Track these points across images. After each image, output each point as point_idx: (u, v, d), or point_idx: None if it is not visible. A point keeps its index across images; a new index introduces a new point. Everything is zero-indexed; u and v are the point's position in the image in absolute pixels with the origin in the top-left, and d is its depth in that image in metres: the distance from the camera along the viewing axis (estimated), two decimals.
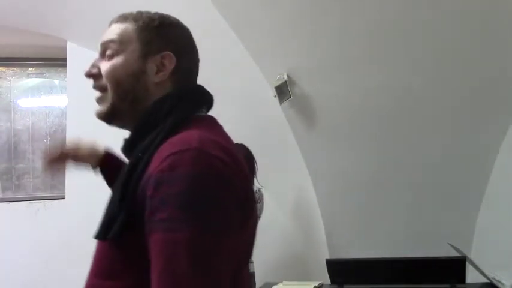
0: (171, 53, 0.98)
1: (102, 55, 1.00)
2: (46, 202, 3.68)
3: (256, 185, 3.00)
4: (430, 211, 3.12)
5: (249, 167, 2.99)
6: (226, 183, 0.83)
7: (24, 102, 4.02)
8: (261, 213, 2.97)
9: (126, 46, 0.98)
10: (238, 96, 3.20)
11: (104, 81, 0.98)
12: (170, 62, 0.98)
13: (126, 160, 1.02)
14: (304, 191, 3.37)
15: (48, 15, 3.35)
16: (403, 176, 3.07)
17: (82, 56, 3.57)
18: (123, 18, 1.02)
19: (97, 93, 1.00)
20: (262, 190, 3.00)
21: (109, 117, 0.99)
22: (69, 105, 3.72)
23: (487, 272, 2.26)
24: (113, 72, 0.97)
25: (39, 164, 3.92)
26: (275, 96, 2.92)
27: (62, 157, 1.25)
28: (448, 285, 2.18)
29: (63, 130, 3.85)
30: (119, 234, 0.84)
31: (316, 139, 3.10)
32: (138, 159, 0.89)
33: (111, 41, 0.98)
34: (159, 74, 0.98)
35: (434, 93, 2.81)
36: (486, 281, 2.27)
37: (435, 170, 3.03)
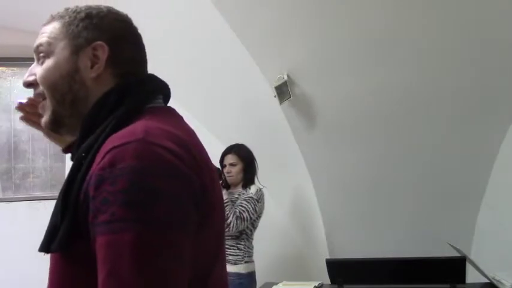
0: (102, 42, 0.89)
1: (37, 61, 0.93)
2: (46, 202, 3.67)
3: (258, 184, 3.00)
4: (430, 211, 3.12)
5: (250, 167, 2.99)
6: (176, 176, 0.74)
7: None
8: (262, 212, 2.97)
9: (55, 46, 0.91)
10: (238, 96, 3.21)
11: (41, 87, 0.90)
12: (103, 52, 0.89)
13: None
14: (304, 191, 3.38)
15: (48, 15, 3.35)
16: (403, 176, 3.08)
17: None
18: (51, 18, 0.95)
19: (40, 103, 0.93)
20: (263, 190, 3.00)
21: (54, 125, 0.92)
22: None
23: (487, 272, 2.26)
24: (45, 76, 0.89)
25: (39, 164, 3.92)
26: (275, 96, 2.92)
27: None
28: (448, 285, 2.18)
29: None
30: (65, 245, 0.76)
31: (316, 139, 3.10)
32: (80, 160, 0.80)
33: (40, 44, 0.93)
34: (94, 67, 0.89)
35: (434, 93, 2.82)
36: (486, 281, 2.27)
37: (435, 170, 3.03)
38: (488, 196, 3.04)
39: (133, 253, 0.68)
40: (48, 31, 0.93)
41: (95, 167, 0.75)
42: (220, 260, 0.89)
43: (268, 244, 3.12)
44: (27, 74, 0.93)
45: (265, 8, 2.67)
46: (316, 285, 2.47)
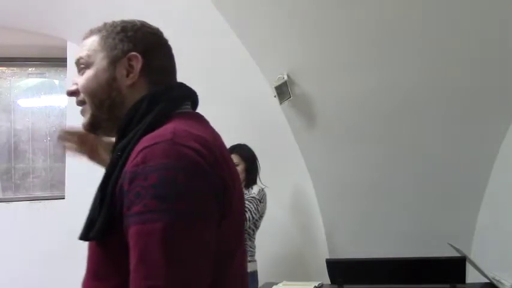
0: (136, 53, 1.00)
1: (79, 72, 1.03)
2: (46, 202, 3.68)
3: (260, 184, 3.00)
4: (430, 211, 3.12)
5: (252, 167, 2.99)
6: (200, 173, 0.83)
7: (24, 102, 4.02)
8: (264, 212, 2.97)
9: (94, 58, 1.01)
10: (239, 96, 3.21)
11: (82, 95, 1.02)
12: (137, 62, 0.99)
13: None
14: (304, 191, 3.37)
15: (48, 15, 3.35)
16: (403, 176, 3.08)
17: None
18: (89, 33, 1.05)
19: (80, 107, 1.05)
20: (265, 190, 3.00)
21: (92, 127, 1.03)
22: (69, 105, 3.71)
23: (487, 272, 2.26)
24: (86, 85, 1.00)
25: (39, 164, 3.92)
26: (275, 96, 2.92)
27: (84, 139, 1.26)
28: (448, 285, 2.18)
29: None
30: (101, 234, 0.85)
31: (316, 139, 3.10)
32: (117, 158, 0.90)
33: (81, 57, 1.02)
34: (130, 76, 0.99)
35: (434, 93, 2.82)
36: (486, 281, 2.26)
37: (435, 170, 3.03)
38: (488, 196, 3.04)
39: (162, 240, 0.76)
40: (88, 44, 1.03)
41: (128, 164, 0.84)
42: (241, 251, 0.98)
43: (268, 244, 3.12)
44: (70, 84, 1.05)
45: (265, 8, 2.67)
46: (316, 285, 2.47)
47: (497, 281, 2.16)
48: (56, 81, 4.10)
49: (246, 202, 2.85)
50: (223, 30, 2.81)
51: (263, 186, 3.00)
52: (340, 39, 2.70)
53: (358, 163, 3.10)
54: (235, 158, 2.94)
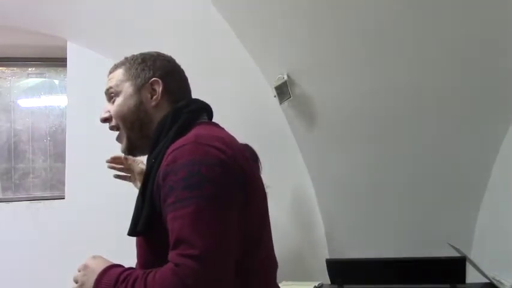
0: (157, 79, 1.20)
1: (109, 100, 1.23)
2: (46, 202, 3.67)
3: (256, 172, 2.99)
4: (430, 211, 3.12)
5: (255, 167, 2.99)
6: (221, 164, 0.99)
7: (24, 102, 4.02)
8: None
9: (122, 87, 1.21)
10: (238, 96, 3.20)
11: (115, 121, 1.21)
12: (158, 86, 1.20)
13: None
14: (304, 191, 3.37)
15: (48, 15, 3.34)
16: (403, 176, 3.07)
17: (82, 56, 3.56)
18: (115, 66, 1.25)
19: (116, 132, 1.24)
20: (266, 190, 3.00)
21: (130, 149, 1.22)
22: (69, 105, 3.71)
23: (487, 272, 2.26)
24: (118, 110, 1.20)
25: (39, 164, 3.92)
26: (275, 96, 2.92)
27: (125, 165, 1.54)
28: (448, 285, 2.18)
29: (63, 130, 3.84)
30: (146, 227, 1.02)
31: (316, 139, 3.10)
32: (152, 164, 1.08)
33: (110, 87, 1.23)
34: (153, 98, 1.19)
35: (435, 93, 2.81)
36: (486, 281, 2.27)
37: (435, 170, 3.03)
38: (488, 196, 3.04)
39: (194, 220, 0.92)
40: (116, 77, 1.23)
41: (162, 165, 1.02)
42: (267, 231, 1.21)
43: None
44: (102, 112, 1.24)
45: (265, 8, 2.67)
46: (316, 285, 2.47)
47: (497, 281, 2.16)
48: (56, 81, 4.09)
49: None
50: (223, 30, 2.80)
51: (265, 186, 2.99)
52: (340, 40, 2.70)
53: (358, 163, 3.10)
54: None
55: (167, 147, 1.06)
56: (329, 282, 2.40)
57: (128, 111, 1.18)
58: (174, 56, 1.30)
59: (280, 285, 2.54)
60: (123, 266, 1.04)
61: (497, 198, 2.99)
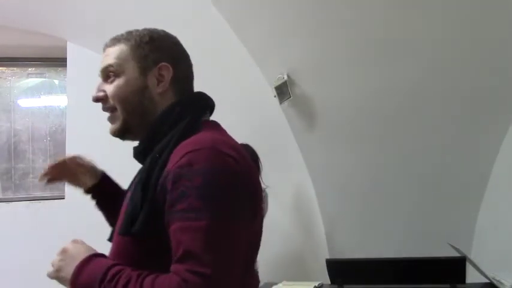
0: (167, 64, 1.07)
1: (105, 79, 1.08)
2: (46, 202, 3.68)
3: (261, 185, 2.99)
4: (430, 211, 3.12)
5: (258, 173, 2.99)
6: (238, 178, 0.92)
7: (24, 102, 4.02)
8: (265, 213, 2.96)
9: (124, 66, 1.06)
10: (238, 96, 3.20)
11: (112, 102, 1.07)
12: (168, 71, 1.07)
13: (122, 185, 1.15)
14: (304, 190, 3.37)
15: (48, 15, 3.35)
16: (403, 176, 3.07)
17: (82, 56, 3.57)
18: (115, 41, 1.10)
19: (108, 114, 1.10)
20: (266, 190, 3.00)
21: (122, 133, 1.08)
22: (69, 105, 3.72)
23: (487, 272, 2.26)
24: (117, 92, 1.06)
25: (39, 164, 3.92)
26: (275, 96, 2.92)
27: (63, 169, 1.32)
28: (448, 285, 2.18)
29: (63, 130, 3.85)
30: (144, 228, 0.92)
31: (316, 139, 3.10)
32: (155, 160, 0.97)
33: (110, 65, 1.07)
34: (160, 84, 1.07)
35: (434, 93, 2.81)
36: (486, 281, 2.26)
37: (435, 170, 3.03)
38: (488, 196, 3.04)
39: (206, 236, 0.84)
40: (117, 53, 1.08)
41: (171, 165, 0.91)
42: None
43: (268, 244, 3.10)
44: (96, 91, 1.09)
45: (265, 8, 2.67)
46: (316, 285, 2.47)
47: (497, 281, 2.16)
48: (56, 81, 4.10)
49: None
50: (223, 30, 2.80)
51: (265, 187, 2.99)
52: (340, 39, 2.70)
53: (358, 163, 3.10)
54: None
55: (175, 144, 0.96)
56: (329, 282, 2.39)
57: (130, 95, 1.05)
58: (192, 65, 1.21)
59: (280, 285, 2.55)
60: (106, 256, 0.96)
61: (497, 198, 2.99)
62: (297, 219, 3.59)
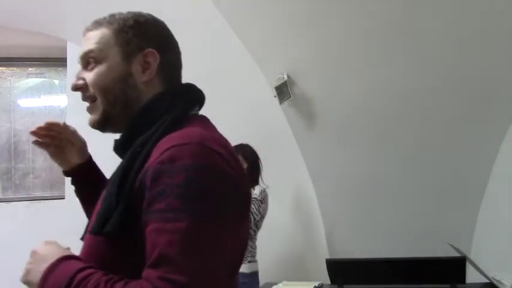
0: (153, 50, 0.97)
1: (85, 66, 0.98)
2: (46, 202, 3.68)
3: (262, 185, 2.99)
4: (430, 211, 3.12)
5: (255, 167, 2.98)
6: (226, 178, 0.83)
7: (24, 102, 4.02)
8: (265, 213, 2.96)
9: (106, 52, 0.96)
10: (238, 96, 3.21)
11: (92, 91, 0.97)
12: (154, 58, 0.97)
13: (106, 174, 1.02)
14: (304, 191, 3.37)
15: (48, 15, 3.35)
16: (403, 176, 3.08)
17: None
18: (97, 24, 1.00)
19: (87, 104, 1.00)
20: (267, 190, 3.00)
21: (102, 124, 0.98)
22: (69, 105, 3.72)
23: (487, 272, 2.26)
24: (98, 80, 0.96)
25: (39, 164, 3.92)
26: (275, 96, 2.92)
27: (54, 135, 1.16)
28: (448, 285, 2.18)
29: None
30: (118, 228, 0.83)
31: (316, 139, 3.10)
32: (136, 154, 0.88)
33: (90, 51, 0.97)
34: (146, 72, 0.97)
35: (434, 94, 2.82)
36: (486, 281, 2.26)
37: (435, 170, 3.03)
38: (488, 196, 3.04)
39: (184, 239, 0.75)
40: (98, 37, 0.98)
41: (152, 160, 0.83)
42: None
43: (268, 244, 3.12)
44: (75, 79, 0.99)
45: (265, 9, 2.67)
46: (316, 285, 2.47)
47: (497, 281, 2.16)
48: (56, 81, 4.10)
49: None
50: (223, 30, 2.80)
51: (265, 187, 2.99)
52: (340, 40, 2.70)
53: (358, 163, 3.10)
54: None
55: (158, 138, 0.87)
56: (329, 282, 2.40)
57: (112, 83, 0.95)
58: (181, 52, 1.13)
59: (280, 285, 2.55)
60: (78, 257, 0.87)
61: (497, 198, 2.99)
62: (297, 219, 3.59)
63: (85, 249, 0.92)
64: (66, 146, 1.18)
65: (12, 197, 3.81)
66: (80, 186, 1.19)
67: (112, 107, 0.96)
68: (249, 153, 2.95)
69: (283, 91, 2.88)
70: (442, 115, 2.89)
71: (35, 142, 1.15)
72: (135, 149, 0.89)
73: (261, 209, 2.87)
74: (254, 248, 2.93)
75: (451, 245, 2.40)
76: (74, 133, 1.19)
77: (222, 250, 0.80)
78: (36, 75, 4.08)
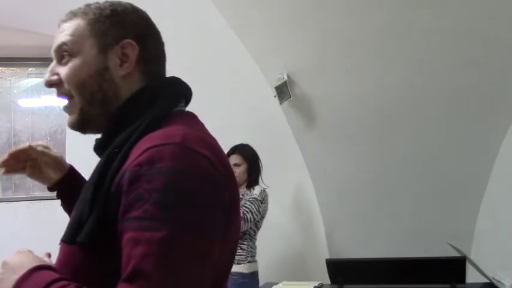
0: (131, 41, 0.89)
1: (59, 60, 0.91)
2: (46, 202, 3.67)
3: (262, 185, 2.99)
4: (430, 211, 3.12)
5: (254, 167, 2.98)
6: (210, 182, 0.76)
7: (24, 102, 4.02)
8: (265, 213, 2.96)
9: (81, 44, 0.89)
10: (239, 96, 3.21)
11: (67, 87, 0.90)
12: (132, 50, 0.89)
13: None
14: (304, 191, 3.37)
15: (48, 15, 3.34)
16: (403, 176, 3.08)
17: None
18: (71, 15, 0.94)
19: (64, 102, 0.94)
20: (267, 190, 3.00)
21: (82, 124, 0.92)
22: None
23: (487, 272, 2.26)
24: (73, 75, 0.88)
25: None
26: (275, 96, 2.92)
27: (25, 158, 1.10)
28: (448, 285, 2.18)
29: (63, 130, 3.85)
30: (91, 237, 0.76)
31: (316, 139, 3.10)
32: (113, 155, 0.81)
33: (64, 43, 0.90)
34: (124, 65, 0.89)
35: (435, 93, 2.82)
36: (486, 281, 2.27)
37: (435, 170, 3.03)
38: (488, 196, 3.04)
39: (161, 252, 0.68)
40: (72, 29, 0.91)
41: (129, 162, 0.75)
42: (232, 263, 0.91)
43: (268, 244, 3.12)
44: (48, 74, 0.92)
45: (265, 8, 2.67)
46: (316, 285, 2.47)
47: (497, 281, 2.16)
48: None
49: (247, 203, 2.85)
50: (223, 30, 2.81)
51: (265, 187, 2.99)
52: (340, 40, 2.70)
53: (358, 163, 3.10)
54: (237, 158, 2.93)
55: (138, 137, 0.80)
56: (329, 282, 2.40)
57: (87, 78, 0.87)
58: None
59: (280, 285, 2.55)
60: (51, 268, 0.80)
61: (497, 198, 2.99)
62: (297, 219, 3.59)
63: (60, 258, 0.85)
64: (42, 164, 1.11)
65: (12, 197, 3.81)
66: (65, 200, 1.13)
67: (89, 104, 0.89)
68: (248, 154, 2.95)
69: (283, 91, 2.88)
70: (442, 115, 2.89)
71: (5, 173, 1.09)
72: (113, 150, 0.82)
73: (261, 209, 2.87)
74: (254, 248, 2.93)
75: (451, 245, 2.40)
76: (43, 152, 1.11)
77: (205, 261, 0.72)
78: (36, 75, 4.07)
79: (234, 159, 2.93)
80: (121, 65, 0.89)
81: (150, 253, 0.68)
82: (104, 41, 0.89)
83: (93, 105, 0.89)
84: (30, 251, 0.86)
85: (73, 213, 0.84)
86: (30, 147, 1.09)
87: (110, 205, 0.76)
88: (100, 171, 0.80)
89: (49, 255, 0.88)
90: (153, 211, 0.70)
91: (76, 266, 0.80)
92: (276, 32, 2.77)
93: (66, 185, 1.13)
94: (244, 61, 2.93)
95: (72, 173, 1.15)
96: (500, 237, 2.93)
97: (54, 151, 1.13)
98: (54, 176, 1.12)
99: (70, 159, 1.18)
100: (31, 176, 1.12)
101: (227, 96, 3.21)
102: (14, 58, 3.94)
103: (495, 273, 2.21)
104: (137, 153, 0.76)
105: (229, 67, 3.08)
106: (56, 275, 0.76)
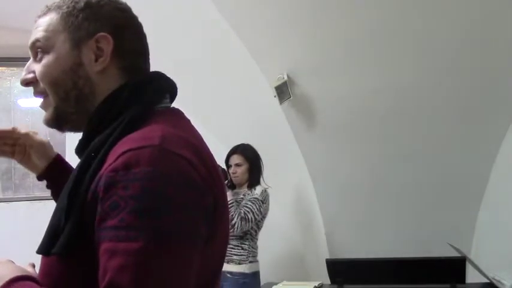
0: (106, 34, 0.84)
1: (34, 57, 0.88)
2: (46, 202, 3.66)
3: (263, 185, 2.99)
4: (430, 211, 3.12)
5: (256, 167, 2.98)
6: (190, 187, 0.71)
7: (24, 102, 4.02)
8: (266, 213, 2.96)
9: (54, 40, 0.85)
10: (239, 96, 3.21)
11: (42, 85, 0.86)
12: (107, 43, 0.84)
13: None
14: (304, 191, 3.38)
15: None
16: (403, 176, 3.08)
17: None
18: (46, 9, 0.90)
19: (40, 100, 0.90)
20: (268, 190, 3.00)
21: (57, 122, 0.88)
22: None
23: (487, 272, 2.26)
24: (46, 72, 0.85)
25: None
26: (275, 96, 2.92)
27: (12, 143, 1.08)
28: (448, 285, 2.18)
29: None
30: (67, 248, 0.72)
31: (316, 139, 3.10)
32: (89, 160, 0.76)
33: (37, 39, 0.86)
34: (99, 60, 0.84)
35: (434, 93, 2.82)
36: (486, 281, 2.27)
37: (435, 170, 3.03)
38: (488, 196, 3.04)
39: (138, 263, 0.64)
40: (45, 24, 0.87)
41: (105, 167, 0.71)
42: (221, 271, 0.87)
43: (268, 244, 3.12)
44: (24, 72, 0.89)
45: (265, 8, 2.67)
46: (316, 285, 2.47)
47: (497, 281, 2.16)
48: None
49: (249, 203, 2.85)
50: (224, 30, 2.81)
51: (266, 187, 2.99)
52: (339, 40, 2.70)
53: (358, 163, 3.10)
54: (238, 158, 2.92)
55: (115, 139, 0.75)
56: (329, 282, 2.40)
57: (62, 75, 0.84)
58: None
59: (280, 285, 2.55)
60: (32, 278, 0.76)
61: (497, 198, 2.99)
62: (297, 220, 3.60)
63: (41, 268, 0.81)
64: (29, 150, 1.09)
65: (12, 197, 3.81)
66: (53, 191, 1.10)
67: (64, 102, 0.85)
68: (249, 153, 2.95)
69: (283, 91, 2.88)
70: (442, 115, 2.89)
71: None
72: (89, 154, 0.77)
73: (262, 209, 2.87)
74: (255, 248, 2.93)
75: (451, 245, 2.41)
76: (27, 134, 1.08)
77: (185, 270, 0.68)
78: None
79: (235, 159, 2.93)
80: (96, 60, 0.84)
81: (127, 265, 0.64)
82: (77, 36, 0.85)
83: (68, 103, 0.85)
84: (11, 261, 0.81)
85: (49, 222, 0.79)
86: (14, 129, 1.07)
87: (87, 213, 0.72)
88: (75, 178, 0.76)
89: (33, 266, 0.84)
90: (129, 220, 0.66)
91: (56, 276, 0.77)
92: (276, 32, 2.77)
93: (53, 175, 1.10)
94: (244, 61, 2.93)
95: (59, 162, 1.11)
96: (500, 237, 2.93)
97: (43, 138, 1.10)
98: (38, 163, 1.10)
99: (70, 159, 1.18)
100: (21, 162, 1.10)
101: (227, 96, 3.21)
102: (14, 58, 3.94)
103: (495, 273, 2.21)
104: (113, 157, 0.71)
105: (229, 67, 3.08)
106: (35, 286, 0.73)
